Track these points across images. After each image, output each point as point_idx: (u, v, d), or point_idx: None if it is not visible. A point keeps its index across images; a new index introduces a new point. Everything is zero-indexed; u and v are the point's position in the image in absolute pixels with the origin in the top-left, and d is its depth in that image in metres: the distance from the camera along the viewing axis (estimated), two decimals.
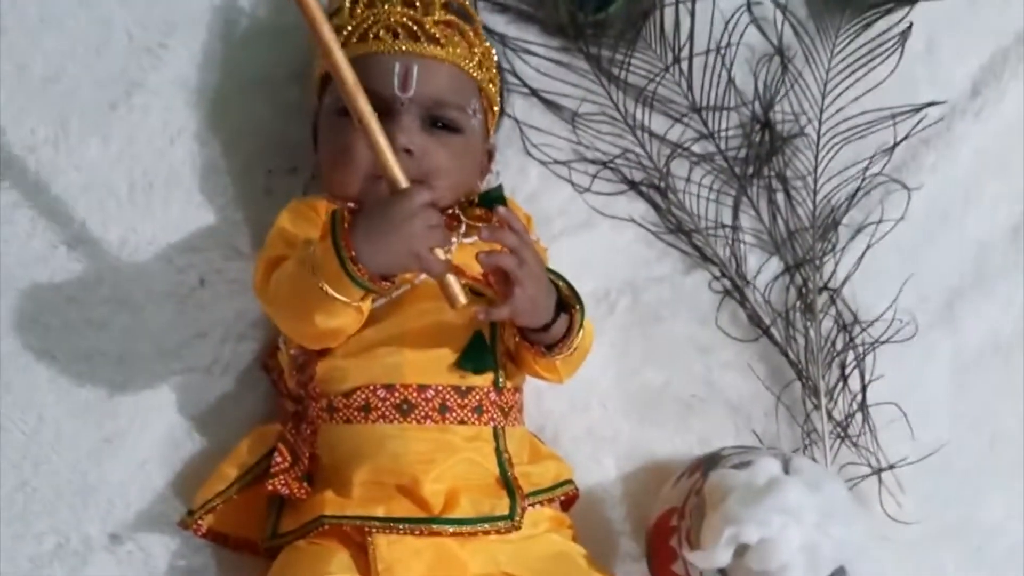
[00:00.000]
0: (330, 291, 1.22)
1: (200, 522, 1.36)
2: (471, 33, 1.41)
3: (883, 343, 1.57)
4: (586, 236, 1.56)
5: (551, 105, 1.56)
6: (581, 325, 1.33)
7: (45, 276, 1.45)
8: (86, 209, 1.46)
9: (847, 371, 1.56)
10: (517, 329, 1.33)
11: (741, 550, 1.30)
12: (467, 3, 1.44)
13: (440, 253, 1.24)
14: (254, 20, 1.51)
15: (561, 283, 1.33)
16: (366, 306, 1.27)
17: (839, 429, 1.55)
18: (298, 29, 1.47)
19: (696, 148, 1.58)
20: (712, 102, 1.57)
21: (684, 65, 1.57)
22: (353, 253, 1.20)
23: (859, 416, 1.55)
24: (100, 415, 1.44)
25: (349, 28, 1.38)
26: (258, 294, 1.34)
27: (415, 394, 1.31)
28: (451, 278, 1.23)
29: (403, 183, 1.24)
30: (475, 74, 1.40)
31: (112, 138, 1.47)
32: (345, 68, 1.24)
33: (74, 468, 1.44)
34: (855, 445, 1.55)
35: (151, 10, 1.49)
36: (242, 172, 1.49)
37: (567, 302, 1.32)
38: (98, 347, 1.45)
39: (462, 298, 1.23)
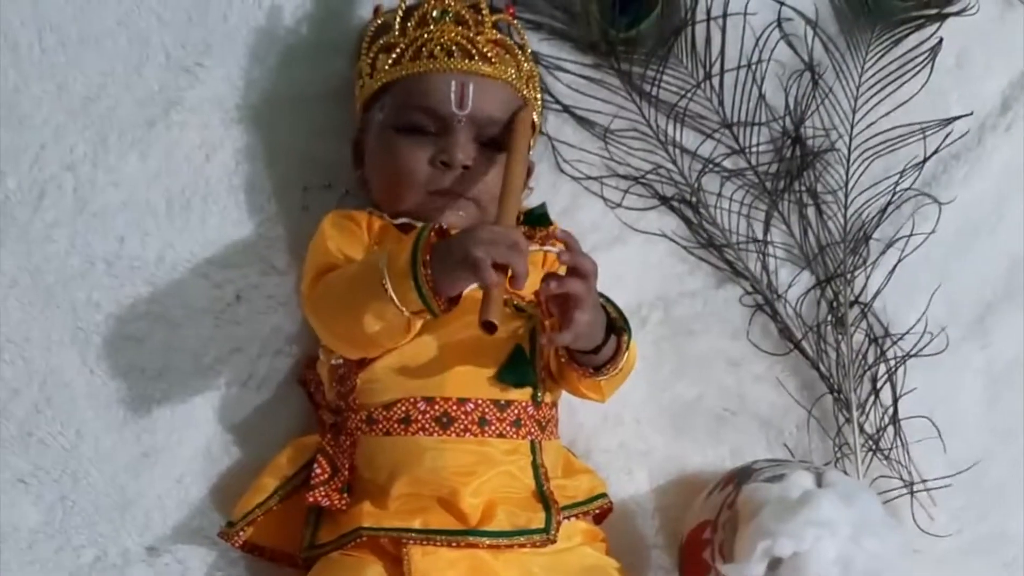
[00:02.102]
0: (390, 290, 1.25)
1: (240, 533, 1.40)
2: (519, 52, 1.45)
3: (914, 356, 1.60)
4: (618, 251, 1.59)
5: (583, 121, 1.59)
6: (627, 347, 1.36)
7: (84, 292, 1.49)
8: (124, 226, 1.50)
9: (878, 384, 1.59)
10: (567, 351, 1.35)
11: (775, 563, 1.32)
12: (516, 23, 1.49)
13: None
14: (289, 40, 1.54)
15: (609, 306, 1.36)
16: (415, 324, 1.30)
17: (871, 442, 1.58)
18: (332, 48, 1.54)
19: (727, 163, 1.61)
20: (743, 118, 1.60)
21: (715, 81, 1.60)
22: (428, 258, 1.24)
23: (891, 429, 1.58)
24: (138, 430, 1.48)
25: (402, 46, 1.42)
26: (304, 297, 1.38)
27: (455, 407, 1.34)
28: (497, 296, 1.24)
29: (509, 222, 1.28)
30: (523, 92, 1.45)
31: (150, 155, 1.51)
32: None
33: (112, 482, 1.48)
34: (887, 458, 1.58)
35: (189, 30, 1.52)
36: (278, 189, 1.53)
37: (615, 324, 1.35)
38: (136, 362, 1.49)
39: (496, 318, 1.24)
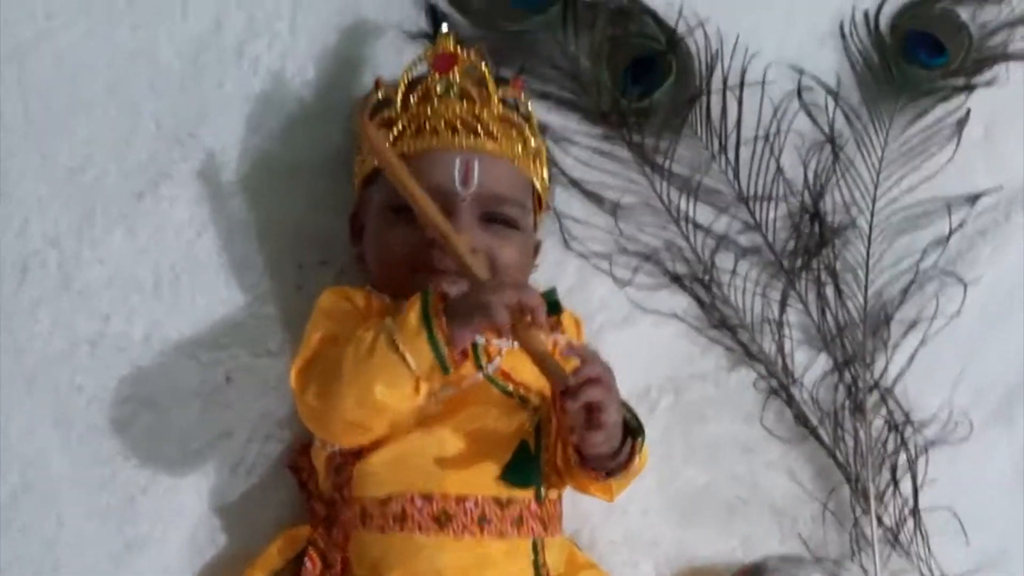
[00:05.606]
0: (401, 346, 1.25)
1: None
2: (526, 128, 1.45)
3: (937, 444, 1.59)
4: (627, 332, 1.59)
5: (592, 196, 1.60)
6: (641, 449, 1.37)
7: (66, 375, 1.49)
8: (110, 304, 1.50)
9: (898, 474, 1.58)
10: (578, 454, 1.35)
11: None
12: (522, 98, 1.48)
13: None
14: (286, 110, 1.55)
15: (623, 408, 1.36)
16: (424, 390, 1.29)
17: (889, 535, 1.58)
18: (331, 119, 1.55)
19: (742, 240, 1.61)
20: (760, 192, 1.60)
21: (731, 154, 1.60)
22: (440, 306, 1.26)
23: (911, 522, 1.58)
24: (121, 519, 1.48)
25: (403, 123, 1.43)
26: (296, 377, 1.35)
27: (454, 504, 1.34)
28: (542, 347, 1.28)
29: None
30: (530, 170, 1.45)
31: (138, 230, 1.51)
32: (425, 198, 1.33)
33: (94, 573, 1.47)
34: (906, 553, 1.58)
35: (181, 99, 1.53)
36: (271, 266, 1.53)
37: (629, 426, 1.36)
38: (120, 448, 1.49)
39: (560, 376, 1.27)
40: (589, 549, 1.52)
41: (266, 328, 1.51)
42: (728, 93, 1.60)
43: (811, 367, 1.60)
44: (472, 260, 1.31)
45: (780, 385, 1.59)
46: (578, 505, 1.51)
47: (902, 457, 1.59)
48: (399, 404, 1.29)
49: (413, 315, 1.27)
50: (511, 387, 1.39)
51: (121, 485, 1.48)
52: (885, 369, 1.60)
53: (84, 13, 1.52)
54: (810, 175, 1.61)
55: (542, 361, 1.29)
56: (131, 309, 1.50)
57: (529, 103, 1.49)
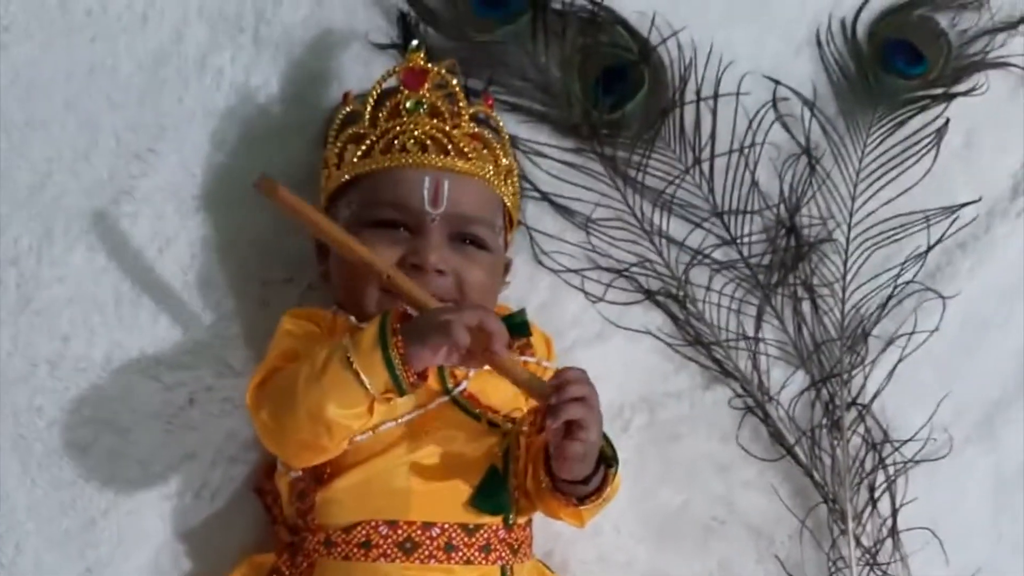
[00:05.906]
0: (356, 364, 1.23)
1: None
2: (497, 146, 1.44)
3: (916, 462, 1.58)
4: (599, 348, 1.57)
5: (563, 210, 1.58)
6: (614, 478, 1.35)
7: (25, 397, 1.47)
8: (70, 324, 1.48)
9: (877, 493, 1.57)
10: (551, 479, 1.34)
11: None
12: (493, 114, 1.47)
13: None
14: (249, 124, 1.53)
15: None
16: (377, 412, 1.28)
17: (868, 556, 1.56)
18: (295, 133, 1.53)
19: (717, 254, 1.59)
20: (734, 205, 1.59)
21: (705, 166, 1.59)
22: (397, 325, 1.24)
23: (889, 542, 1.56)
24: (82, 544, 1.46)
25: (372, 138, 1.41)
26: (253, 397, 1.34)
27: (420, 532, 1.32)
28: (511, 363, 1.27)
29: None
30: (500, 189, 1.43)
31: (98, 248, 1.49)
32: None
33: None
34: (885, 574, 1.56)
35: (141, 113, 1.51)
36: (235, 284, 1.51)
37: (603, 454, 1.34)
38: (81, 472, 1.47)
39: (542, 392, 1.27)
40: (561, 570, 1.51)
41: (231, 347, 1.50)
42: (702, 104, 1.58)
43: (788, 384, 1.59)
44: (420, 293, 1.30)
45: (756, 403, 1.58)
46: (550, 526, 1.49)
47: (880, 476, 1.57)
48: (352, 424, 1.27)
49: (369, 333, 1.25)
50: (478, 410, 1.37)
51: (82, 508, 1.46)
52: (863, 386, 1.59)
53: (41, 25, 1.51)
54: (786, 188, 1.60)
55: (520, 382, 1.27)
56: (92, 329, 1.48)
57: (499, 121, 1.48)
